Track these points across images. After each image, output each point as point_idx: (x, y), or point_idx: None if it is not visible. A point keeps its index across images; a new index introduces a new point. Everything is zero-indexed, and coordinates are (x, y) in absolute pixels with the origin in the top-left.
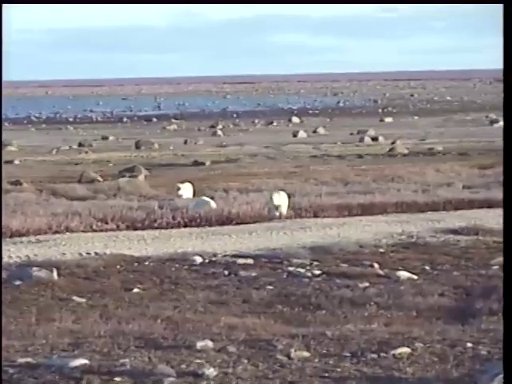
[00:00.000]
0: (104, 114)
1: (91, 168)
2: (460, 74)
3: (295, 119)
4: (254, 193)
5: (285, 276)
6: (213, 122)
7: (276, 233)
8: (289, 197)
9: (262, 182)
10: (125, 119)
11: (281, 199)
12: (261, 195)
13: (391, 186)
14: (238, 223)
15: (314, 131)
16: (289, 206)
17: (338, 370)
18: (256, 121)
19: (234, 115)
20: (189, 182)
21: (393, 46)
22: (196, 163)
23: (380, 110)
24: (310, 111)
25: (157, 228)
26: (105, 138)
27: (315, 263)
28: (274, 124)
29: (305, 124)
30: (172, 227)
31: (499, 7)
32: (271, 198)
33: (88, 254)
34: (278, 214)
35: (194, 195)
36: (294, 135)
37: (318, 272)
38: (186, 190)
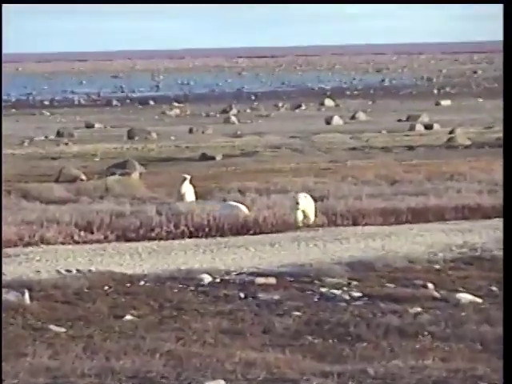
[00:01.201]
0: (88, 96)
1: (72, 163)
2: None
3: (328, 102)
4: (277, 194)
5: (316, 299)
6: (225, 105)
7: (304, 245)
8: (321, 200)
9: (287, 181)
10: (114, 102)
11: (307, 203)
12: (285, 197)
13: (449, 186)
14: (256, 232)
15: (353, 117)
16: (316, 211)
17: None
18: (279, 104)
19: (252, 97)
20: (186, 180)
21: (452, 10)
22: (204, 157)
23: (435, 91)
24: (348, 92)
25: (155, 239)
26: (90, 126)
27: (354, 283)
28: (302, 108)
29: (341, 108)
30: (174, 238)
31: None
32: (297, 202)
33: (68, 271)
34: (301, 221)
35: (196, 197)
36: (328, 122)
37: (357, 294)
38: (187, 192)
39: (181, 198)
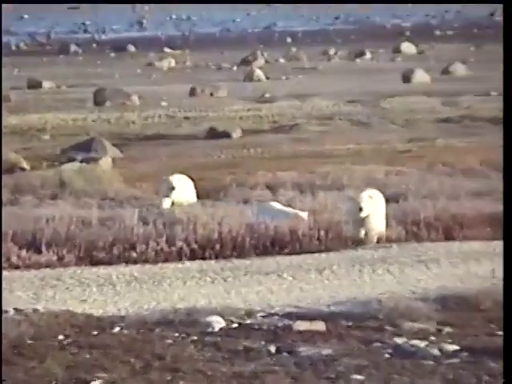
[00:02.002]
0: (33, 38)
1: (8, 144)
2: None
3: (408, 47)
4: (328, 192)
5: (387, 355)
6: (246, 53)
7: (369, 270)
8: (395, 200)
9: (343, 170)
10: (73, 48)
11: (373, 206)
12: (340, 197)
13: None
14: (295, 251)
15: (446, 70)
16: (389, 218)
17: None
18: (331, 50)
19: (288, 39)
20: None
21: None
22: (214, 134)
23: None
24: (437, 31)
25: (137, 261)
26: (35, 86)
27: (447, 330)
28: (367, 57)
29: (427, 57)
30: (166, 260)
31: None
32: (360, 207)
33: (4, 311)
34: (363, 234)
35: (198, 197)
36: (407, 79)
37: (452, 347)
38: (181, 189)
39: (167, 197)
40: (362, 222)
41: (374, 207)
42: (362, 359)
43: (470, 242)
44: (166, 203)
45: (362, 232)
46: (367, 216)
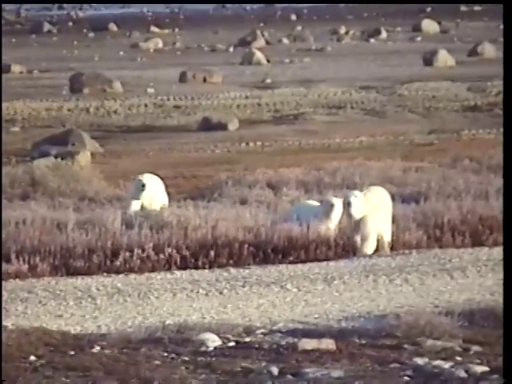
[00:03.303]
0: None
1: None
2: None
3: (429, 25)
4: (337, 191)
5: (406, 378)
6: (245, 32)
7: (385, 280)
8: (415, 201)
9: (355, 166)
10: (47, 26)
11: (367, 204)
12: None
13: None
14: (300, 259)
15: (473, 52)
16: (408, 220)
17: None
18: (341, 29)
19: (292, 16)
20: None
21: None
22: (207, 125)
23: None
24: (463, 7)
25: (120, 271)
26: (2, 70)
27: (475, 349)
28: (382, 36)
29: (451, 36)
30: (153, 269)
31: None
32: (348, 202)
33: None
34: (358, 241)
35: (169, 197)
36: (428, 61)
37: (481, 369)
38: (152, 190)
39: (137, 199)
40: (355, 226)
41: (372, 207)
42: (377, 382)
43: (500, 247)
44: (135, 206)
45: (357, 239)
46: (363, 219)
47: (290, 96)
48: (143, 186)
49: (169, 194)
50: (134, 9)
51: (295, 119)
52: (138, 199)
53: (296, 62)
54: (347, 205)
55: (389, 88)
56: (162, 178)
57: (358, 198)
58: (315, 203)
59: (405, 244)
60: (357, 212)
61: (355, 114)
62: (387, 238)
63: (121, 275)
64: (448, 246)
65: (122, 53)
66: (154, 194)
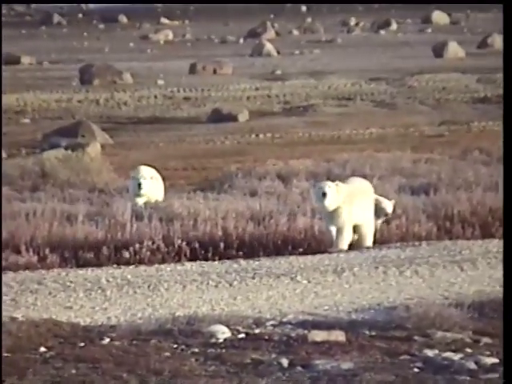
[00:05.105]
0: (10, 7)
1: None
2: None
3: (439, 16)
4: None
5: (416, 369)
6: (254, 23)
7: (395, 272)
8: (425, 192)
9: (365, 158)
10: (56, 18)
11: (340, 194)
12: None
13: None
14: (310, 251)
15: (483, 43)
16: (417, 212)
17: None
18: (351, 21)
19: (302, 8)
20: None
21: None
22: (217, 117)
23: None
24: None
25: (129, 263)
26: (12, 62)
27: (485, 340)
28: (392, 28)
29: (461, 27)
30: (163, 260)
31: None
32: (323, 192)
33: None
34: (334, 233)
35: (165, 192)
36: (438, 53)
37: (491, 360)
38: (151, 185)
39: (139, 196)
40: (331, 218)
41: (346, 199)
42: (387, 374)
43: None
44: (140, 202)
45: (333, 230)
46: (336, 210)
47: (299, 87)
48: (139, 185)
49: (178, 185)
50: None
51: (305, 111)
52: (141, 197)
53: (306, 54)
54: (322, 196)
55: (399, 80)
56: (161, 171)
57: (331, 189)
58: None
59: (415, 235)
60: (330, 203)
61: (365, 105)
62: (368, 230)
63: (131, 267)
64: (458, 237)
65: (131, 44)
66: (154, 189)
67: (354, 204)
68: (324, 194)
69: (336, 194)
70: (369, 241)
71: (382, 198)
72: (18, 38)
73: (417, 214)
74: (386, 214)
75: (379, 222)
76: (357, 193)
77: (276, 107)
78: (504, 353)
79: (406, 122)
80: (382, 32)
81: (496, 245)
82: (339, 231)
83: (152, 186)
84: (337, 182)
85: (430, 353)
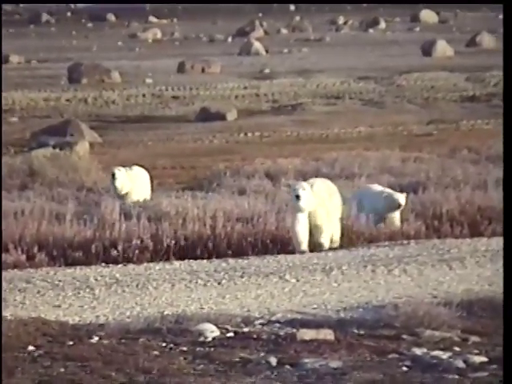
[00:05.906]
0: None
1: None
2: None
3: (427, 15)
4: (336, 181)
5: (405, 368)
6: (242, 21)
7: (383, 270)
8: (414, 191)
9: (353, 157)
10: (45, 16)
11: (313, 196)
12: (349, 187)
13: None
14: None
15: (471, 42)
16: (405, 211)
17: None
18: (340, 19)
19: (291, 6)
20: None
21: None
22: (205, 116)
23: None
24: None
25: (118, 261)
26: (0, 61)
27: (473, 339)
28: (381, 26)
29: (450, 26)
30: (152, 259)
31: None
32: (296, 195)
33: None
34: (324, 241)
35: (152, 190)
36: (426, 51)
37: (479, 359)
38: (125, 180)
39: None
40: (301, 223)
41: (320, 201)
42: (375, 372)
43: (498, 238)
44: (121, 192)
45: (300, 231)
46: (313, 212)
47: (288, 86)
48: (113, 175)
49: (167, 184)
50: None
51: (293, 109)
52: (126, 197)
53: (294, 53)
54: (296, 198)
55: (387, 78)
56: (148, 170)
57: (306, 191)
58: (378, 187)
59: (403, 234)
60: (306, 205)
61: (354, 104)
62: (335, 231)
63: (119, 265)
64: (446, 236)
65: (120, 43)
66: (133, 187)
67: (325, 206)
68: (297, 197)
69: (311, 195)
70: (335, 241)
71: (392, 191)
72: (7, 36)
73: (405, 213)
74: (399, 205)
75: (396, 216)
76: (327, 195)
77: (264, 106)
78: (504, 353)
79: (395, 120)
80: (371, 31)
81: (484, 243)
82: (319, 232)
83: (127, 176)
84: (311, 184)
85: (418, 351)
